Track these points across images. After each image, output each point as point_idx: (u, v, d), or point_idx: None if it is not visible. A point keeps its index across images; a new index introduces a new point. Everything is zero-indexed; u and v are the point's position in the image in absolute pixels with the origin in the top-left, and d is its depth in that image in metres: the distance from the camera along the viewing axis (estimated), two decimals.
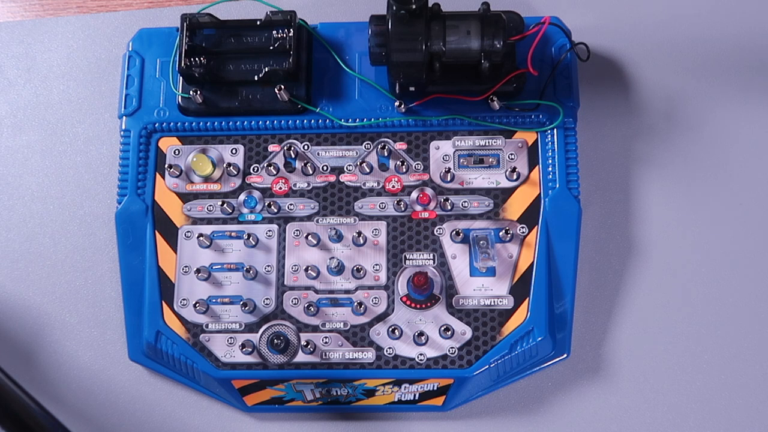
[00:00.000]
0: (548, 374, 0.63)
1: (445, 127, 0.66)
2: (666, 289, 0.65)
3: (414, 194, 0.64)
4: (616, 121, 0.68)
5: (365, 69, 0.67)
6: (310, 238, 0.63)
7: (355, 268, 0.63)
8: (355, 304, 0.62)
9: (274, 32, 0.66)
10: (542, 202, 0.64)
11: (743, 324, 0.64)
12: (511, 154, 0.65)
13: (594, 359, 0.64)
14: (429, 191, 0.64)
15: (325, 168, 0.65)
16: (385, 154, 0.65)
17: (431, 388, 0.61)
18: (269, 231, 0.64)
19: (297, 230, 0.64)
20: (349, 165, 0.65)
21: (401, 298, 0.62)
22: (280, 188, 0.65)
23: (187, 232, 0.65)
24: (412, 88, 0.64)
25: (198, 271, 0.63)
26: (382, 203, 0.65)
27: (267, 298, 0.63)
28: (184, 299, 0.63)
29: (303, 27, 0.67)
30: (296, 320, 0.63)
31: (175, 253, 0.64)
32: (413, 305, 0.62)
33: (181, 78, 0.66)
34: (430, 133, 0.66)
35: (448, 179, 0.64)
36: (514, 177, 0.64)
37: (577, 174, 0.64)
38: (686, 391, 0.63)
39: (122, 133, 0.67)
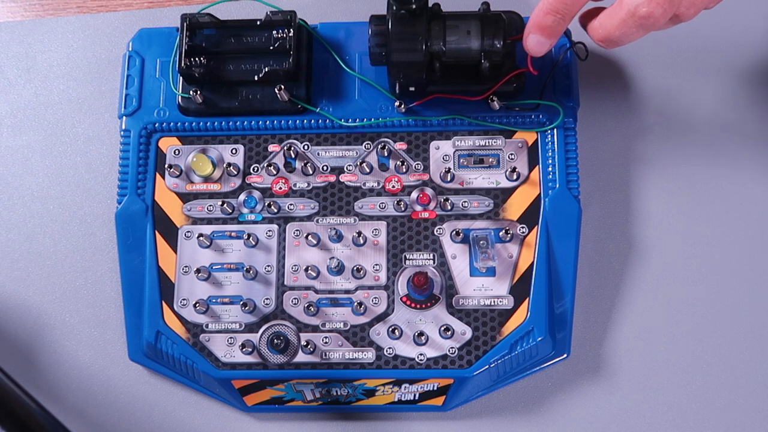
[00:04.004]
0: (548, 374, 0.63)
1: (445, 127, 0.66)
2: (666, 289, 0.65)
3: (414, 194, 0.64)
4: (616, 121, 0.68)
5: (365, 69, 0.67)
6: (310, 238, 0.63)
7: (355, 268, 0.63)
8: (355, 304, 0.62)
9: (274, 32, 0.66)
10: (542, 202, 0.64)
11: (743, 324, 0.64)
12: (511, 154, 0.65)
13: (594, 359, 0.64)
14: (429, 191, 0.64)
15: (325, 168, 0.65)
16: (385, 154, 0.65)
17: (431, 388, 0.61)
18: (269, 231, 0.64)
19: (297, 230, 0.64)
20: (349, 165, 0.65)
21: (401, 298, 0.62)
22: (280, 188, 0.65)
23: (187, 232, 0.65)
24: (412, 88, 0.64)
25: (198, 271, 0.63)
26: (382, 203, 0.65)
27: (267, 298, 0.63)
28: (184, 299, 0.63)
29: (303, 27, 0.67)
30: (296, 320, 0.63)
31: (175, 253, 0.64)
32: (413, 305, 0.62)
33: (181, 78, 0.66)
34: (430, 133, 0.66)
35: (448, 179, 0.64)
36: (514, 177, 0.64)
37: (577, 174, 0.64)
38: (686, 391, 0.63)
39: (122, 133, 0.67)
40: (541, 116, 0.65)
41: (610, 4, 0.58)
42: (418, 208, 0.64)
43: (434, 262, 0.63)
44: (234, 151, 0.66)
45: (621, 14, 0.57)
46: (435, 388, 0.61)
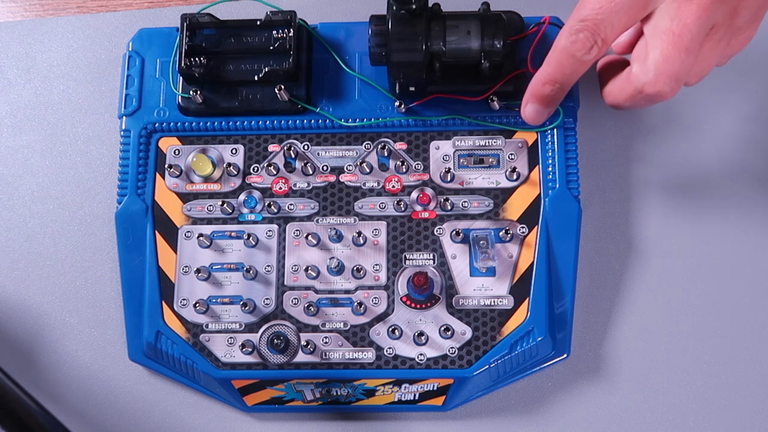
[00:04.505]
0: (548, 374, 0.63)
1: (445, 127, 0.66)
2: (666, 289, 0.65)
3: (414, 194, 0.64)
4: (616, 121, 0.68)
5: (365, 69, 0.67)
6: (310, 238, 0.63)
7: (355, 268, 0.63)
8: (355, 304, 0.62)
9: (274, 32, 0.66)
10: (542, 202, 0.64)
11: (743, 324, 0.64)
12: (511, 154, 0.65)
13: (594, 359, 0.64)
14: (429, 191, 0.64)
15: (325, 168, 0.65)
16: (385, 154, 0.65)
17: (431, 388, 0.61)
18: (269, 231, 0.64)
19: (297, 230, 0.64)
20: (349, 165, 0.65)
21: (401, 298, 0.62)
22: (280, 188, 0.65)
23: (187, 232, 0.65)
24: (412, 88, 0.64)
25: (198, 271, 0.63)
26: (382, 203, 0.65)
27: (267, 298, 0.63)
28: (184, 299, 0.63)
29: (303, 27, 0.67)
30: (296, 320, 0.63)
31: (175, 253, 0.64)
32: (413, 305, 0.62)
33: (181, 78, 0.66)
34: (430, 133, 0.66)
35: (448, 179, 0.64)
36: (514, 177, 0.64)
37: (577, 174, 0.64)
38: (686, 391, 0.63)
39: (122, 133, 0.67)
40: None
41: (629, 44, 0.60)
42: (418, 208, 0.64)
43: (434, 262, 0.63)
44: (234, 151, 0.66)
45: (629, 89, 0.58)
46: (435, 388, 0.61)
